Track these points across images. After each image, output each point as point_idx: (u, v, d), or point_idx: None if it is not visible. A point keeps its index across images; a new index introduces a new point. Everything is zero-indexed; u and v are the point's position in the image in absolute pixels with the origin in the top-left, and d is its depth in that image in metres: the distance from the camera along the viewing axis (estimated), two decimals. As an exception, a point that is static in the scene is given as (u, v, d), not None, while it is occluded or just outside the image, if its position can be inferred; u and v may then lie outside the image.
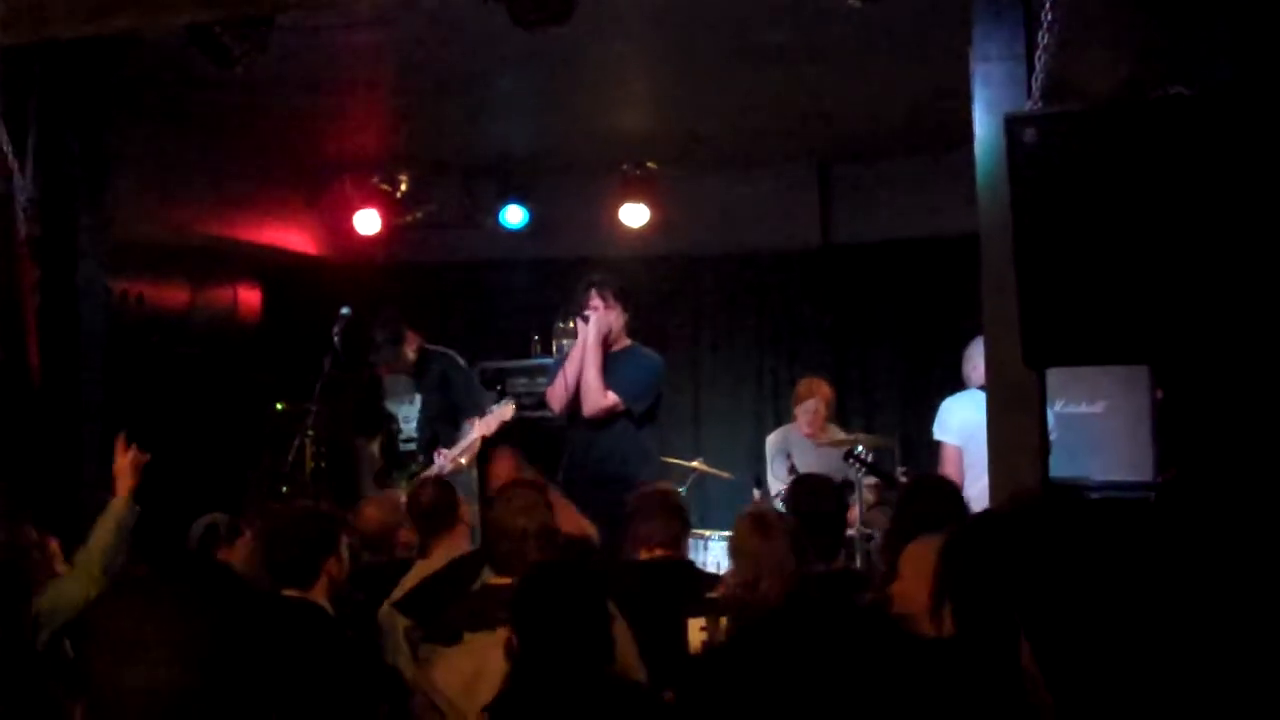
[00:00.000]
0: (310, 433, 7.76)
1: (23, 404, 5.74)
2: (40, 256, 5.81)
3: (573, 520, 5.28)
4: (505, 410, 7.50)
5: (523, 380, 9.27)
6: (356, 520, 5.84)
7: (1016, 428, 4.81)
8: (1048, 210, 4.31)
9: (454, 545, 5.46)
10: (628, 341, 7.18)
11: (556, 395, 7.18)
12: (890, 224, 9.46)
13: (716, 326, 10.04)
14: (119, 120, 6.46)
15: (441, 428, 7.80)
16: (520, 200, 9.60)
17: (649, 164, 9.34)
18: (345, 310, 7.74)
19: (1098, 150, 4.30)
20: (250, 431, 9.57)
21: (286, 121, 8.05)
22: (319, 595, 4.33)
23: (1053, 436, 5.11)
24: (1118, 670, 1.69)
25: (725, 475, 8.49)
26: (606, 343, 7.07)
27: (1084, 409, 6.85)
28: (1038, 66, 4.64)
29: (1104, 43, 5.25)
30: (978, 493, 6.29)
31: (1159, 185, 4.21)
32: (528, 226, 9.69)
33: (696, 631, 4.53)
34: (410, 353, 7.90)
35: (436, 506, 5.55)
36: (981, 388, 6.35)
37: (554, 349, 9.40)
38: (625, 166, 9.36)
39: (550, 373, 7.63)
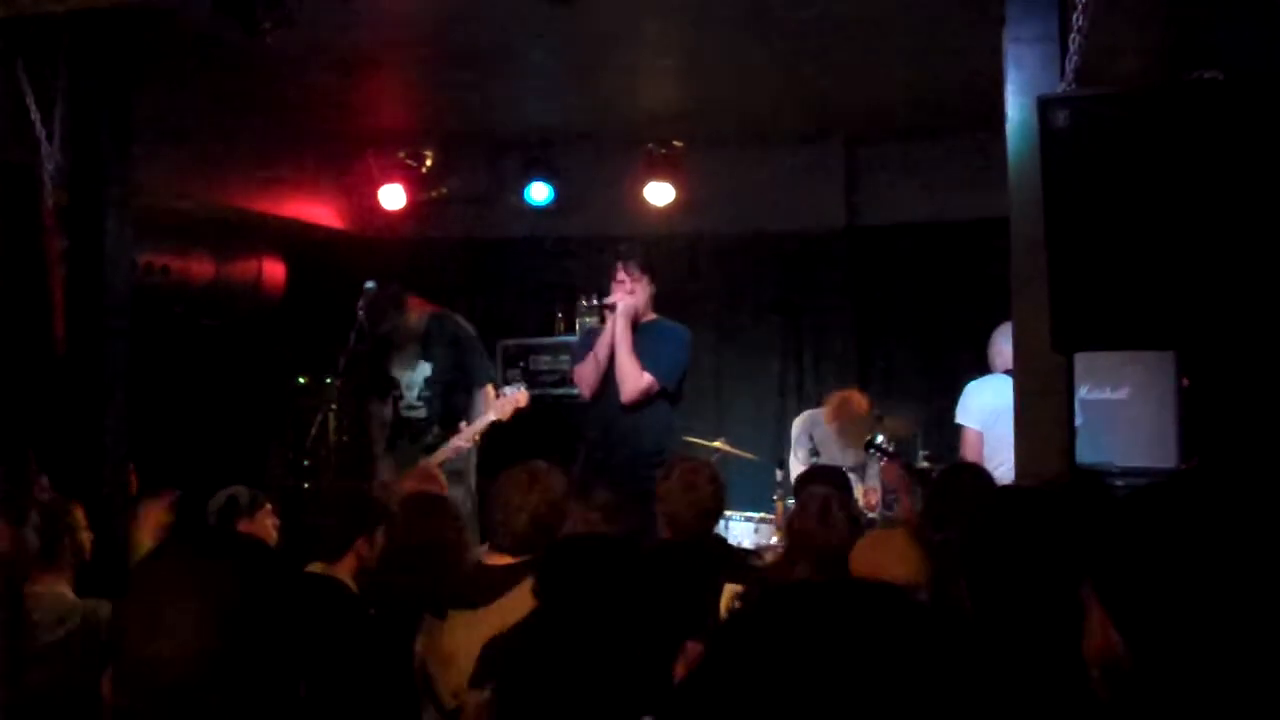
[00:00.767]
0: (333, 407, 7.76)
1: (48, 373, 5.76)
2: (67, 226, 5.82)
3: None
4: (519, 396, 7.47)
5: (546, 358, 9.28)
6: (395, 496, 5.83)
7: (1043, 412, 4.78)
8: (1079, 194, 4.28)
9: None
10: (653, 315, 7.16)
11: (585, 378, 7.15)
12: (916, 206, 9.42)
13: (739, 307, 10.00)
14: (146, 91, 6.45)
15: (456, 395, 7.76)
16: (545, 177, 9.58)
17: (674, 142, 9.31)
18: (370, 284, 7.73)
19: (1130, 133, 4.27)
20: (272, 405, 9.59)
21: (313, 95, 8.04)
22: (343, 571, 4.34)
23: (1077, 422, 5.08)
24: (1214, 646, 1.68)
25: (748, 456, 8.48)
26: (634, 319, 7.05)
27: (1109, 395, 6.84)
28: (1071, 48, 4.59)
29: (1138, 25, 5.21)
30: (998, 477, 6.27)
31: (1191, 169, 4.18)
32: (552, 204, 9.66)
33: (729, 598, 4.52)
34: (414, 318, 7.84)
35: None
36: (1006, 372, 6.34)
37: (577, 327, 9.40)
38: (651, 145, 9.33)
39: (574, 352, 7.61)
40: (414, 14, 6.59)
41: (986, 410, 6.89)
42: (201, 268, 9.02)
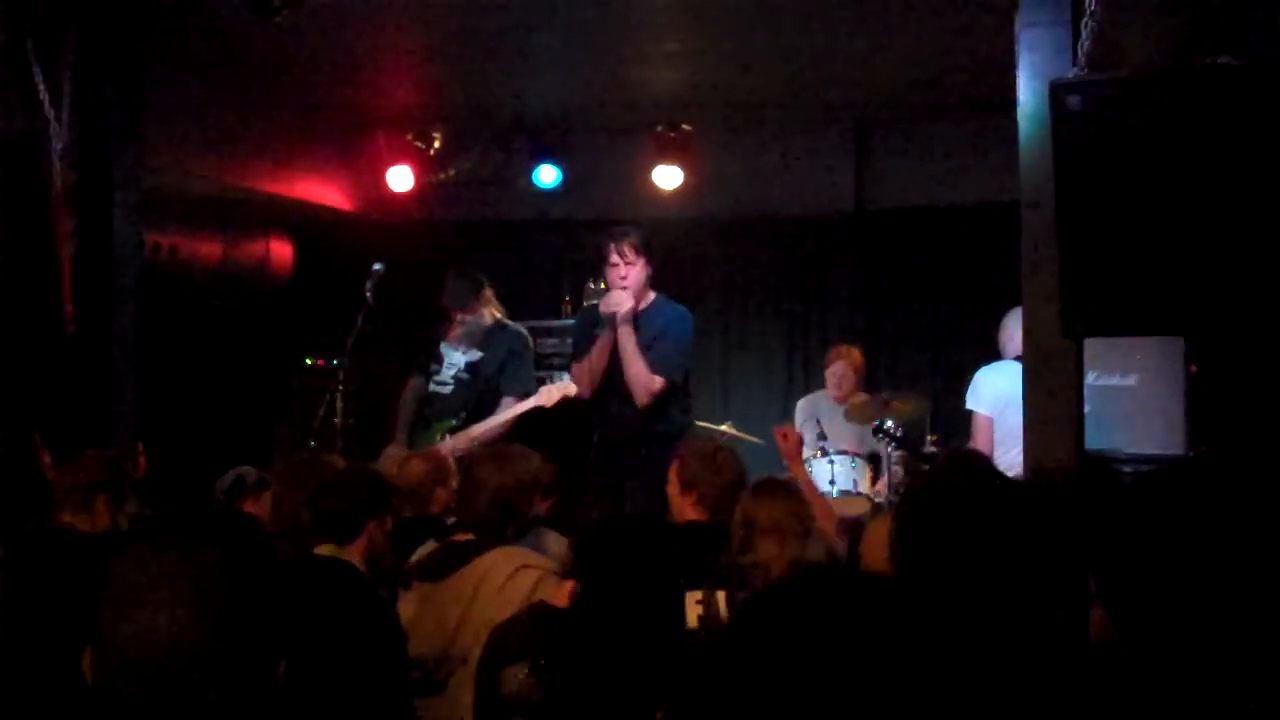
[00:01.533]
0: (341, 388, 7.75)
1: (56, 353, 5.76)
2: (75, 205, 5.81)
3: None
4: (569, 386, 7.46)
5: (553, 341, 9.26)
6: (401, 474, 5.82)
7: (1052, 398, 4.77)
8: (1091, 178, 4.26)
9: None
10: (652, 295, 7.11)
11: (582, 380, 7.13)
12: (926, 190, 9.40)
13: (748, 290, 9.99)
14: (155, 71, 6.45)
15: (490, 394, 7.75)
16: (553, 160, 9.56)
17: (683, 126, 9.29)
18: (378, 266, 7.71)
19: (1143, 118, 4.25)
20: (279, 386, 9.60)
21: (322, 76, 8.03)
22: (355, 554, 4.33)
23: (1085, 409, 5.07)
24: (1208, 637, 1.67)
25: (755, 439, 8.46)
26: (635, 305, 7.01)
27: (1117, 381, 6.82)
28: (1084, 32, 4.57)
29: (1152, 8, 5.18)
30: (1009, 463, 6.26)
31: (1204, 155, 4.16)
32: (560, 187, 9.65)
33: (693, 607, 4.51)
34: (488, 314, 7.82)
35: None
36: (1017, 358, 6.33)
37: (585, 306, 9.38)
38: (659, 128, 9.32)
39: (573, 342, 7.58)
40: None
41: (998, 396, 6.87)
42: (209, 248, 9.02)
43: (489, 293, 7.81)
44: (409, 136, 9.51)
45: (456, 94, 8.81)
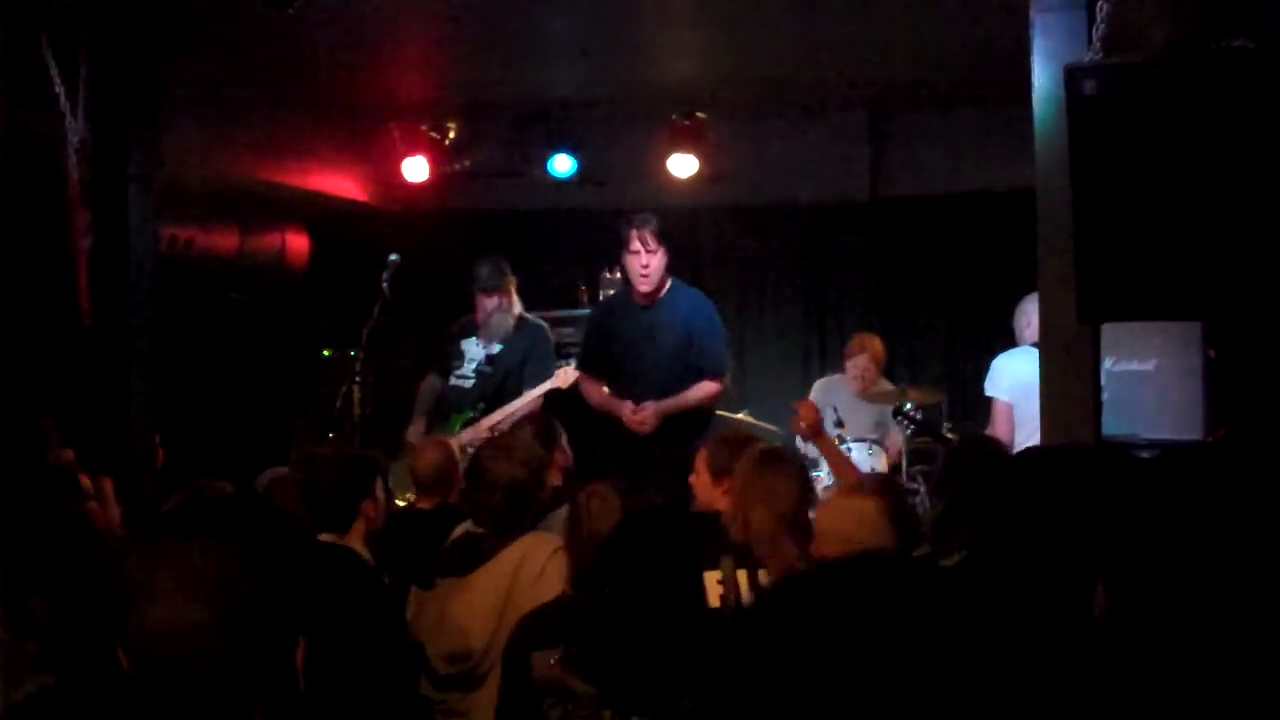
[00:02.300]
0: (358, 379, 7.77)
1: (73, 346, 5.78)
2: (91, 199, 5.82)
3: None
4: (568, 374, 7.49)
5: (568, 330, 9.26)
6: (414, 464, 5.83)
7: (1069, 384, 4.76)
8: (1107, 163, 4.25)
9: None
10: (669, 283, 7.13)
11: (588, 396, 7.24)
12: (941, 177, 9.38)
13: (763, 278, 9.98)
14: (169, 65, 6.46)
15: (509, 386, 7.76)
16: (569, 149, 9.56)
17: (698, 114, 9.27)
18: (394, 257, 7.73)
19: (1158, 102, 4.24)
20: (296, 377, 9.62)
21: (337, 67, 8.03)
22: (355, 540, 4.34)
23: (1103, 395, 5.05)
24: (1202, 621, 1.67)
25: (771, 428, 8.47)
26: (654, 291, 7.03)
27: (1135, 367, 6.78)
28: (1099, 16, 4.55)
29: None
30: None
31: (1220, 139, 4.14)
32: (576, 176, 9.65)
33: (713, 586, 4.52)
34: (514, 312, 7.82)
35: None
36: (1034, 344, 6.31)
37: (601, 299, 9.38)
38: (674, 116, 9.31)
39: (583, 340, 7.61)
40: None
41: (1017, 382, 6.86)
42: (226, 240, 9.03)
43: (513, 281, 7.82)
44: (424, 127, 9.52)
45: (471, 84, 8.81)
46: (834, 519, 3.82)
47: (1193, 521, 1.70)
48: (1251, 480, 1.72)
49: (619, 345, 7.16)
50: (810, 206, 9.76)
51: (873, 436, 8.03)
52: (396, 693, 3.97)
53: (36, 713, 2.28)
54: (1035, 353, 5.92)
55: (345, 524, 4.34)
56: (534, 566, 4.29)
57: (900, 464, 7.64)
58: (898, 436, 7.85)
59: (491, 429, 7.34)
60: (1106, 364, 5.78)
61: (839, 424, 7.94)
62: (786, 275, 9.95)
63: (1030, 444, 6.27)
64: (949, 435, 7.32)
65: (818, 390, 8.51)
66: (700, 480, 5.00)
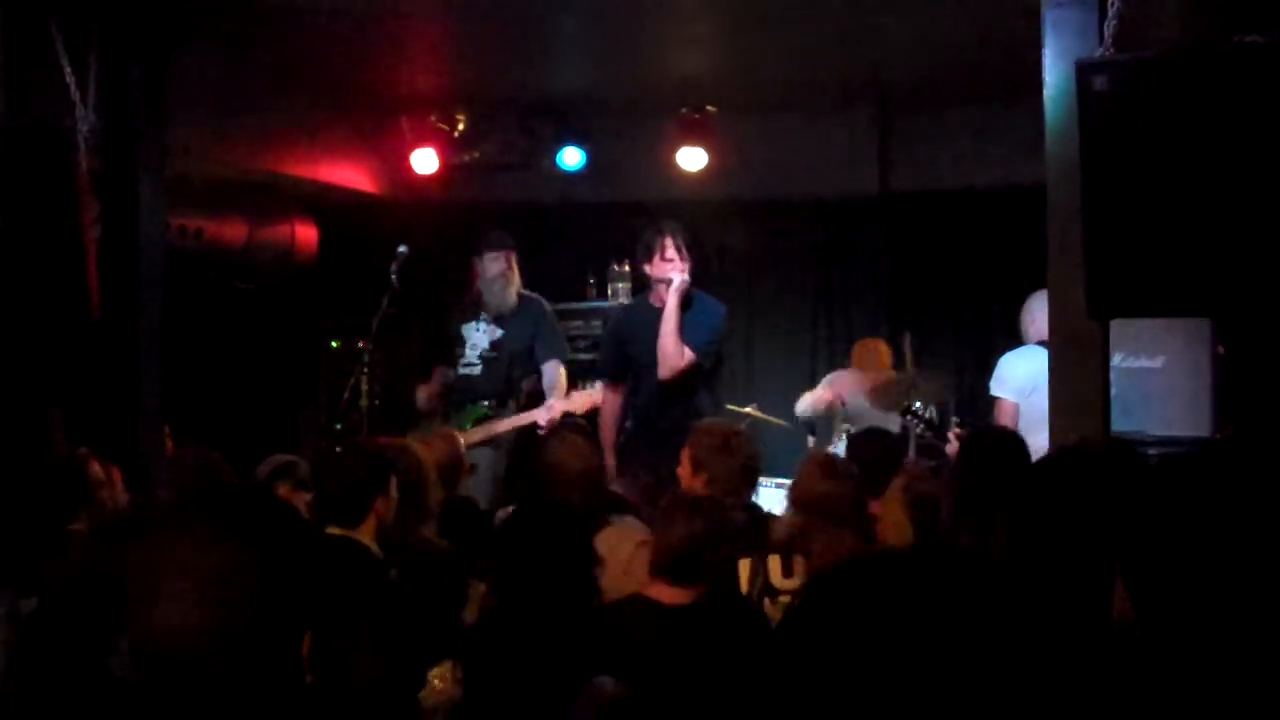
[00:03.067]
0: (366, 371, 7.77)
1: (82, 337, 5.78)
2: (101, 190, 5.83)
3: None
4: (596, 394, 7.47)
5: (577, 323, 9.27)
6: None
7: (1078, 381, 4.76)
8: (1117, 159, 4.24)
9: None
10: (693, 291, 7.16)
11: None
12: (950, 173, 9.36)
13: (772, 273, 9.97)
14: (180, 54, 6.46)
15: (517, 368, 7.75)
16: (578, 142, 9.56)
17: (707, 108, 9.27)
18: (403, 249, 7.72)
19: (1170, 98, 4.23)
20: (305, 368, 9.62)
21: (346, 58, 8.03)
22: (365, 534, 4.33)
23: (1111, 391, 5.04)
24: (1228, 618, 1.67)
25: (779, 422, 8.47)
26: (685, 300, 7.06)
27: (1143, 364, 6.77)
28: (1110, 12, 4.54)
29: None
30: (1035, 448, 6.23)
31: (1232, 135, 4.13)
32: (585, 169, 9.65)
33: (745, 571, 4.52)
34: (511, 292, 7.82)
35: None
36: (1040, 343, 6.30)
37: (609, 292, 9.39)
38: (684, 110, 9.30)
39: (603, 347, 7.62)
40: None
41: (1023, 381, 6.85)
42: (234, 231, 9.03)
43: (515, 248, 7.83)
44: (433, 119, 9.52)
45: (480, 76, 8.80)
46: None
47: (1209, 521, 1.70)
48: (1264, 478, 1.72)
49: (636, 348, 7.18)
50: (819, 201, 9.75)
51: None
52: (394, 687, 3.96)
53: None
54: (1042, 352, 5.91)
55: (357, 518, 4.33)
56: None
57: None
58: (908, 434, 7.83)
59: (497, 434, 7.36)
60: (1115, 360, 5.77)
61: (845, 419, 7.95)
62: (795, 270, 9.94)
63: (1037, 442, 6.26)
64: (956, 429, 7.29)
65: (827, 380, 8.52)
66: (683, 471, 5.03)
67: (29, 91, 5.82)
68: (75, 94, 5.70)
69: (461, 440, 6.27)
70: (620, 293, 9.32)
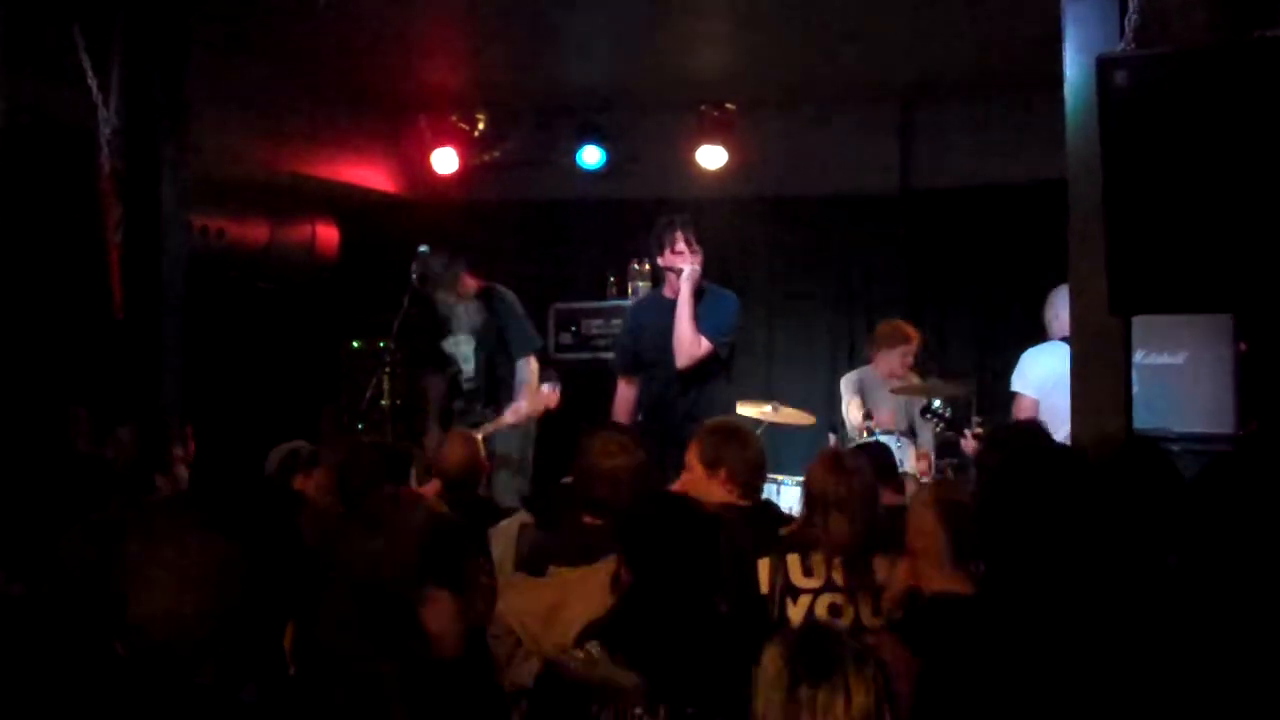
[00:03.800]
0: (387, 370, 7.79)
1: (105, 336, 5.82)
2: (124, 191, 5.86)
3: None
4: (551, 396, 7.45)
5: (598, 321, 9.27)
6: (441, 459, 5.84)
7: (1101, 377, 4.75)
8: (1139, 154, 4.24)
9: None
10: (704, 283, 7.15)
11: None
12: (971, 169, 9.34)
13: (792, 270, 9.95)
14: (201, 57, 6.48)
15: (499, 368, 7.76)
16: (597, 141, 9.56)
17: (727, 105, 9.27)
18: (424, 249, 7.72)
19: (1191, 93, 4.22)
20: (326, 368, 9.64)
21: (366, 58, 8.05)
22: None
23: (1134, 388, 5.03)
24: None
25: (801, 420, 8.45)
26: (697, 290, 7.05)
27: (1165, 360, 6.75)
28: (1131, 7, 4.53)
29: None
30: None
31: (1253, 130, 4.12)
32: (604, 167, 9.65)
33: (764, 571, 4.51)
34: (467, 294, 7.81)
35: None
36: (1064, 338, 6.28)
37: (630, 290, 9.38)
38: (703, 107, 9.30)
39: (618, 339, 7.62)
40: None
41: (1044, 377, 6.82)
42: (256, 231, 9.07)
43: (462, 274, 7.78)
44: (453, 118, 9.54)
45: (500, 75, 8.81)
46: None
47: (1263, 515, 1.70)
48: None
49: (650, 340, 7.16)
50: (840, 198, 9.73)
51: (901, 429, 8.02)
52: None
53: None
54: (1064, 348, 5.89)
55: None
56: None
57: (931, 460, 7.62)
58: (926, 433, 7.83)
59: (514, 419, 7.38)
60: (1137, 357, 5.76)
61: (868, 416, 7.94)
62: (815, 267, 9.92)
63: (1057, 439, 6.25)
64: (978, 432, 7.27)
65: (848, 382, 8.50)
66: (693, 475, 4.99)
67: (52, 93, 5.86)
68: (98, 97, 5.74)
69: (480, 441, 6.28)
70: (641, 291, 9.31)
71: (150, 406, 5.93)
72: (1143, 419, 5.45)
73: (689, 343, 6.89)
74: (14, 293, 5.62)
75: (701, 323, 6.92)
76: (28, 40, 5.66)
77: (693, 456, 4.99)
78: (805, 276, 9.93)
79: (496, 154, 9.76)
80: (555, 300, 9.56)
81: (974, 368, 9.12)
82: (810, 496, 4.45)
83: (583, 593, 4.15)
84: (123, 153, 5.85)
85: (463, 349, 7.82)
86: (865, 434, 7.82)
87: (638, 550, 3.67)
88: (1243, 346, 6.16)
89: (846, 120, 9.47)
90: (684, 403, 6.95)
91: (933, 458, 7.58)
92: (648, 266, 9.09)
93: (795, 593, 4.35)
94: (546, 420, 7.59)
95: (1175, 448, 6.07)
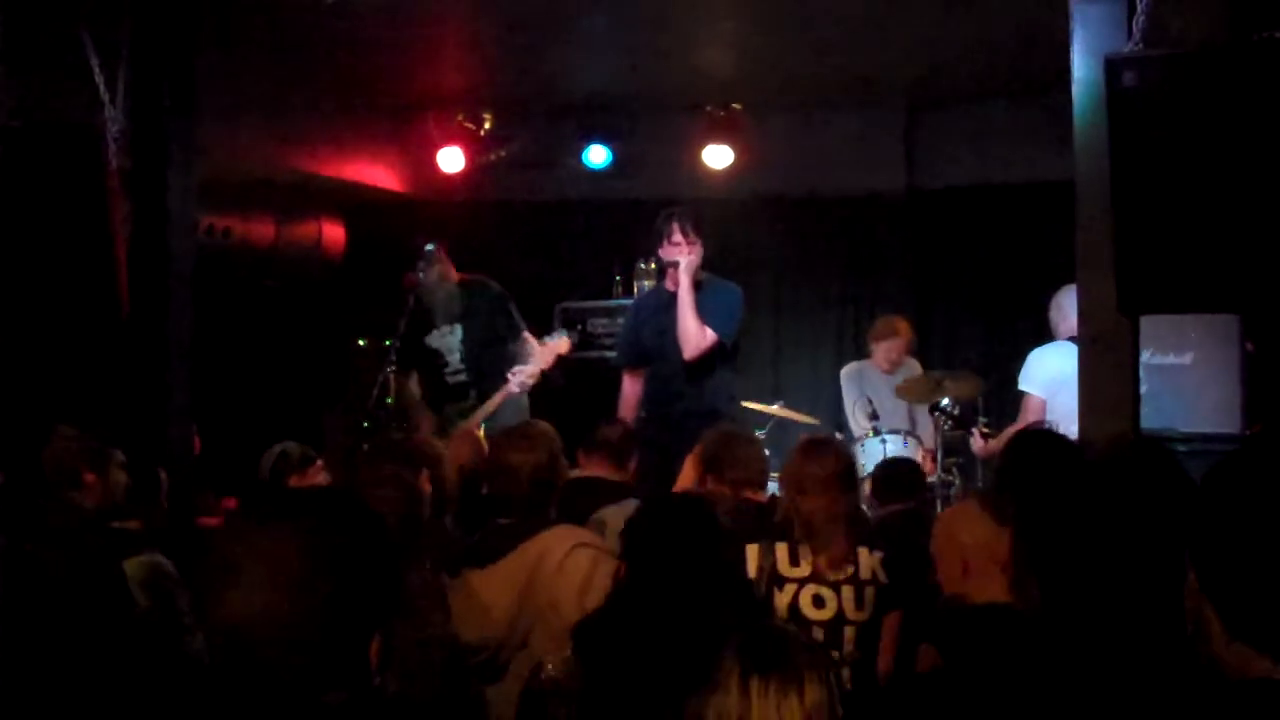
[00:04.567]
0: (393, 369, 7.79)
1: (112, 335, 5.82)
2: (130, 189, 5.86)
3: None
4: (560, 343, 7.44)
5: (604, 320, 9.27)
6: (447, 458, 5.85)
7: (1108, 377, 4.75)
8: (1147, 155, 4.24)
9: None
10: (703, 274, 7.13)
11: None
12: (977, 169, 9.35)
13: (798, 271, 9.96)
14: (208, 55, 6.48)
15: (486, 354, 7.75)
16: (603, 140, 9.57)
17: (734, 105, 9.27)
18: (430, 247, 7.73)
19: (1199, 94, 4.22)
20: (332, 367, 9.65)
21: (373, 57, 8.05)
22: None
23: (1141, 388, 5.03)
24: None
25: (806, 419, 8.45)
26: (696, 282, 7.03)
27: (1172, 360, 6.75)
28: (1139, 7, 4.53)
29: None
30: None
31: (1261, 130, 4.12)
32: (611, 166, 9.66)
33: (753, 556, 4.52)
34: (448, 285, 7.79)
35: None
36: (1071, 338, 6.28)
37: (635, 290, 9.38)
38: (709, 107, 9.30)
39: (621, 331, 7.60)
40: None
41: (1052, 377, 6.81)
42: (262, 230, 9.08)
43: (440, 265, 7.78)
44: (460, 117, 9.54)
45: (507, 75, 8.82)
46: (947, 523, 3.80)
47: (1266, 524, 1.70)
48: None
49: (650, 333, 7.16)
50: (845, 199, 9.73)
51: (905, 428, 8.02)
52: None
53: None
54: (1071, 347, 5.89)
55: None
56: (552, 560, 4.27)
57: (936, 457, 7.61)
58: (930, 430, 7.82)
59: (489, 413, 7.38)
60: (1144, 357, 5.76)
61: (873, 415, 7.94)
62: (821, 268, 9.93)
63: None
64: (985, 432, 7.27)
65: (850, 378, 8.51)
66: (689, 475, 5.01)
67: (60, 92, 5.86)
68: (105, 94, 5.74)
69: (479, 436, 6.29)
70: (645, 290, 9.32)
71: (156, 405, 5.94)
72: (1149, 418, 5.45)
73: (694, 334, 6.87)
74: (19, 291, 5.62)
75: (705, 314, 6.91)
76: (35, 38, 5.66)
77: (697, 464, 5.02)
78: (811, 276, 9.94)
79: (503, 153, 9.76)
80: (561, 300, 9.56)
81: (980, 367, 9.12)
82: (785, 480, 4.49)
83: (484, 592, 4.18)
84: (129, 151, 5.85)
85: (447, 340, 7.81)
86: (871, 434, 7.82)
87: (641, 550, 3.67)
88: (1250, 347, 6.16)
89: (852, 120, 9.47)
90: (687, 395, 6.94)
91: (939, 456, 7.57)
92: (653, 265, 9.08)
93: (781, 581, 4.36)
94: (550, 418, 7.57)
95: (1182, 448, 6.07)
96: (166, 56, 6.03)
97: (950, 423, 7.30)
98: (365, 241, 9.79)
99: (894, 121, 9.58)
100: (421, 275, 7.63)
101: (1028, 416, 6.97)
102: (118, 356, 5.85)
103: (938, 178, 9.60)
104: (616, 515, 4.96)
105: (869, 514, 5.70)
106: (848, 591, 4.28)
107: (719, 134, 9.39)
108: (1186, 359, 6.59)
